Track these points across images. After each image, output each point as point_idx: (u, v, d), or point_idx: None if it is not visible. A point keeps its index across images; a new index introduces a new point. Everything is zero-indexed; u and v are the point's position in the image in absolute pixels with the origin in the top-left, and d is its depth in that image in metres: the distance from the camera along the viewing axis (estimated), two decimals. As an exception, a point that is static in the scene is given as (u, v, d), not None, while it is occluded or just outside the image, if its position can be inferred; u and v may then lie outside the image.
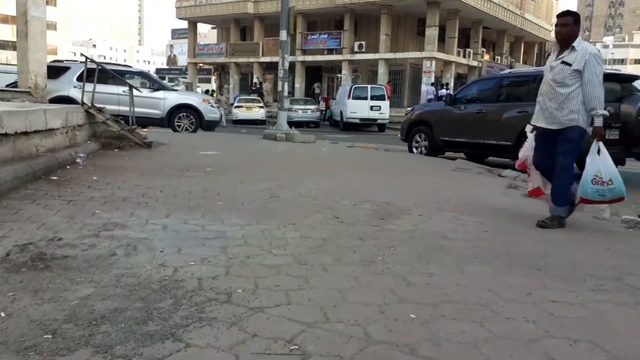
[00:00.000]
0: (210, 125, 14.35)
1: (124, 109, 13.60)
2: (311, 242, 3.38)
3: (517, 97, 9.65)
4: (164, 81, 14.97)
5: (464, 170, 7.88)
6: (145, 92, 13.67)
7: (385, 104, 22.91)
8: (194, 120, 13.91)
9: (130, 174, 5.83)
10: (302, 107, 25.83)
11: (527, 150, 4.71)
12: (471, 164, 8.91)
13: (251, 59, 37.10)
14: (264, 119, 27.89)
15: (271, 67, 38.73)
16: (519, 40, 41.50)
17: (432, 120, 10.62)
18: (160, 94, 13.68)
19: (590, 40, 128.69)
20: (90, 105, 8.62)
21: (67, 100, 12.77)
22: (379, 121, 23.11)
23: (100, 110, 8.98)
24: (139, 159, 7.28)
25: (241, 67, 39.64)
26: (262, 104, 28.43)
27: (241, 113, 27.22)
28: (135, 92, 13.74)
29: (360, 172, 6.97)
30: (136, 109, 13.70)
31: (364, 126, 23.99)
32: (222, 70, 43.67)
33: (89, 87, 13.37)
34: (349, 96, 22.65)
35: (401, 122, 12.50)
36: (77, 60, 14.31)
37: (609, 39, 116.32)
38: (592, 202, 4.26)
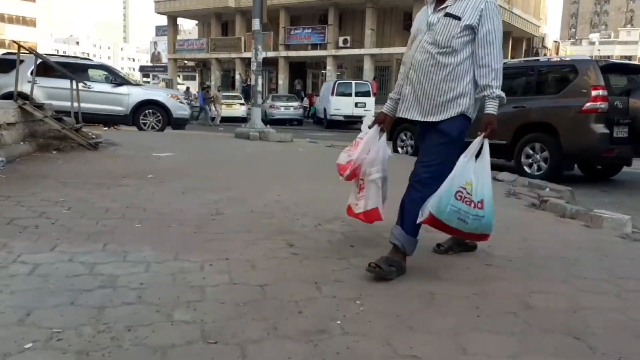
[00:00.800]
0: (180, 123, 13.21)
1: (85, 105, 12.47)
2: (242, 293, 2.31)
3: (512, 91, 8.65)
4: (129, 76, 13.72)
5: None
6: (107, 88, 12.52)
7: (370, 101, 21.88)
8: (161, 117, 12.77)
9: (48, 183, 4.71)
10: (284, 103, 24.75)
11: (360, 152, 3.12)
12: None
13: (233, 55, 35.89)
14: (245, 116, 26.75)
15: (254, 63, 37.65)
16: (507, 36, 40.61)
17: (419, 116, 9.58)
18: (123, 89, 12.52)
19: (576, 37, 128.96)
20: (25, 101, 7.45)
21: (23, 96, 11.57)
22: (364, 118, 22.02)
23: (39, 106, 7.81)
24: (74, 164, 6.15)
25: (223, 63, 38.42)
26: (242, 101, 27.28)
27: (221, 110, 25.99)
28: (96, 87, 12.63)
29: (336, 178, 5.92)
30: (97, 106, 12.58)
31: (349, 124, 22.95)
32: (203, 66, 42.40)
33: (44, 82, 12.26)
34: (332, 92, 21.59)
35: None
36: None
37: (594, 36, 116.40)
38: (442, 228, 2.68)
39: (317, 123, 25.46)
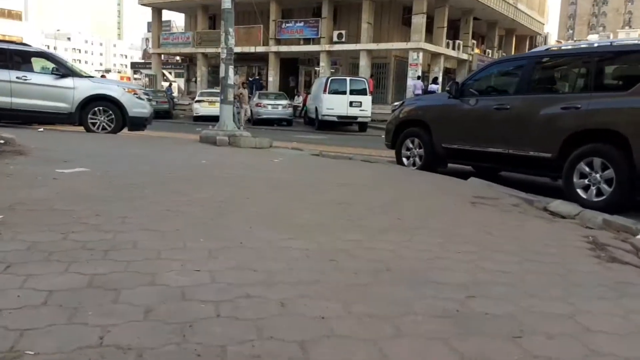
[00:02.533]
0: (137, 123, 10.98)
1: (19, 101, 10.25)
2: None
3: (559, 86, 6.56)
4: (75, 66, 11.49)
5: (489, 202, 4.70)
6: (48, 80, 10.31)
7: (367, 100, 19.73)
8: (114, 116, 10.56)
9: None
10: (272, 102, 22.57)
11: None
12: (495, 187, 5.73)
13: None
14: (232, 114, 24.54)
15: (243, 59, 35.39)
16: (510, 34, 38.63)
17: (431, 119, 7.44)
18: (67, 81, 10.31)
19: (575, 39, 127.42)
20: None
21: None
22: (359, 119, 19.92)
23: None
24: None
25: (210, 58, 36.12)
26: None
27: (202, 108, 23.85)
28: (34, 79, 10.40)
29: (312, 211, 3.79)
30: (35, 102, 10.32)
31: (342, 125, 20.83)
32: (190, 62, 40.12)
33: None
34: (325, 90, 19.42)
35: (386, 122, 9.30)
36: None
37: (593, 37, 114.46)
38: None
39: (308, 124, 23.31)
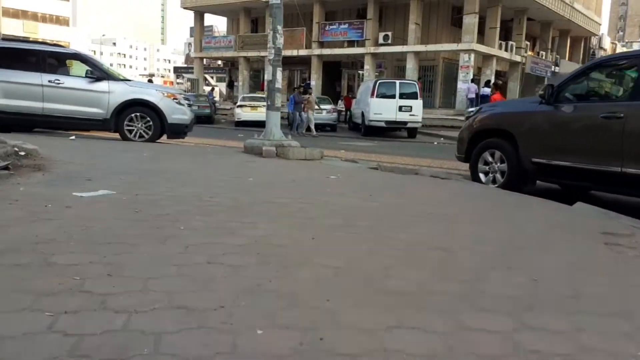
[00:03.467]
0: (176, 131, 10.17)
1: (50, 106, 9.55)
2: None
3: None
4: (112, 69, 10.76)
5: (626, 242, 3.52)
6: (81, 83, 9.59)
7: (417, 104, 18.53)
8: (151, 123, 9.76)
9: None
10: (316, 106, 21.56)
11: None
12: (623, 218, 4.52)
13: (263, 53, 32.85)
14: (272, 120, 23.75)
15: (286, 63, 34.50)
16: (565, 35, 36.63)
17: (517, 129, 6.26)
18: (102, 85, 9.58)
19: (626, 41, 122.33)
20: None
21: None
22: (409, 125, 18.73)
23: None
24: None
25: (252, 62, 35.55)
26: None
27: (244, 113, 23.13)
28: (67, 82, 9.66)
29: (404, 265, 2.74)
30: (67, 107, 9.59)
31: (390, 130, 19.69)
32: (231, 65, 39.67)
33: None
34: (372, 94, 18.31)
35: (460, 130, 8.12)
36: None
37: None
38: None
39: (353, 129, 22.24)
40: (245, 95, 26.16)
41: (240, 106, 23.57)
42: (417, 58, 27.36)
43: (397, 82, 19.00)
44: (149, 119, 9.72)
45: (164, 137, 10.27)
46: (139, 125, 9.72)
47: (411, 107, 18.33)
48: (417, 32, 27.16)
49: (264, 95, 26.86)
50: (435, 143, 17.23)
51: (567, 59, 36.72)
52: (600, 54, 49.73)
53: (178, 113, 10.00)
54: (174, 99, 10.05)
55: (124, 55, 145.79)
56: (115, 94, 9.58)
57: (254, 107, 23.42)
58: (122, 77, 10.24)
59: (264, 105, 24.11)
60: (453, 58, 29.74)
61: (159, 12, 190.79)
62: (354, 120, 22.22)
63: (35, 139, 7.66)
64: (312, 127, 19.45)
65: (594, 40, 44.25)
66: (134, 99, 9.68)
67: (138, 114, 9.69)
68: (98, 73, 9.62)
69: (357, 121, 21.05)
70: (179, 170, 5.97)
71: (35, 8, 72.57)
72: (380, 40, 28.13)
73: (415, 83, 19.28)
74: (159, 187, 4.66)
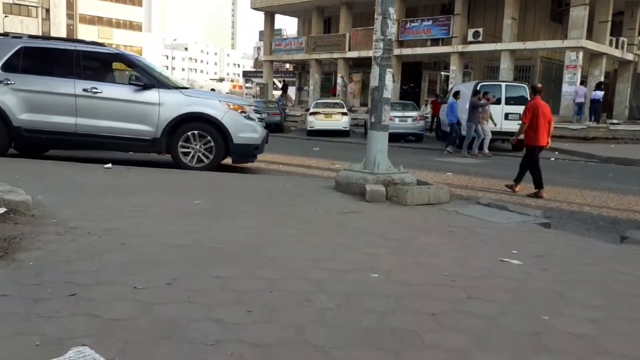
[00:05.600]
0: (244, 153, 7.87)
1: (87, 122, 7.48)
2: None
3: None
4: (164, 73, 8.58)
5: None
6: (124, 93, 7.47)
7: (527, 111, 15.44)
8: (213, 144, 7.53)
9: None
10: (400, 113, 18.90)
11: None
12: None
13: (335, 55, 30.59)
14: (348, 128, 21.31)
15: (359, 65, 32.13)
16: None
17: None
18: (151, 95, 7.44)
19: None
20: None
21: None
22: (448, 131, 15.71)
23: None
24: None
25: (324, 64, 33.29)
26: (345, 110, 21.81)
27: (317, 121, 20.78)
28: (106, 91, 7.56)
29: None
30: (106, 124, 7.46)
31: (494, 142, 16.69)
32: (302, 69, 37.60)
33: (23, 81, 7.37)
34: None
35: None
36: (7, 35, 8.32)
37: None
38: None
39: (441, 139, 19.37)
40: (318, 101, 23.79)
41: (313, 113, 21.25)
42: (513, 57, 24.05)
43: (503, 84, 15.96)
44: (209, 138, 7.47)
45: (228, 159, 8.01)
46: (197, 147, 7.49)
47: (519, 114, 15.26)
48: (514, 27, 23.85)
49: (338, 101, 24.51)
50: (552, 159, 14.14)
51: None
52: None
53: (247, 130, 7.69)
54: (241, 112, 7.74)
55: (195, 60, 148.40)
56: (167, 106, 7.40)
57: (328, 115, 21.06)
58: (176, 84, 8.05)
59: (338, 113, 22.01)
60: (553, 57, 26.21)
61: (229, 17, 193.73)
62: (443, 129, 19.34)
63: (53, 168, 5.55)
64: (486, 146, 14.94)
65: None
66: (191, 112, 7.46)
67: (196, 132, 7.46)
68: (146, 79, 7.46)
69: (447, 129, 18.15)
70: (243, 243, 3.56)
71: (110, 14, 74.25)
72: (470, 38, 25.02)
73: (525, 86, 16.16)
74: (201, 310, 2.23)
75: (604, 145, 18.03)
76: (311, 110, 21.79)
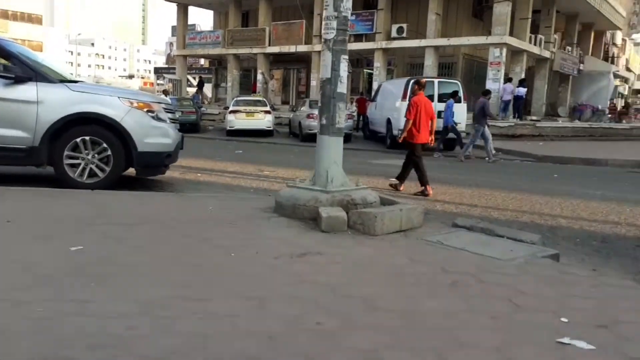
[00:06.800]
0: (152, 163, 6.22)
1: None
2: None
3: None
4: (47, 62, 6.70)
5: None
6: (-12, 86, 5.59)
7: (461, 108, 14.76)
8: (110, 152, 5.85)
9: None
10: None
11: None
12: None
13: (255, 50, 28.91)
14: (271, 128, 19.84)
15: (281, 61, 30.70)
16: (588, 29, 33.15)
17: None
18: (26, 90, 5.65)
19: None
20: None
21: None
22: (450, 135, 14.92)
23: None
24: None
25: (242, 60, 31.52)
26: (268, 108, 20.34)
27: (238, 120, 19.18)
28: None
29: None
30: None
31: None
32: (218, 64, 35.59)
33: None
34: (404, 95, 14.46)
35: None
36: None
37: (637, 36, 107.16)
38: None
39: (371, 139, 18.39)
40: (238, 98, 22.04)
41: (233, 112, 19.55)
42: (437, 54, 23.57)
43: (436, 81, 15.12)
44: (105, 145, 5.77)
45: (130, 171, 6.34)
46: (89, 157, 5.77)
47: (453, 113, 14.53)
48: (438, 23, 23.36)
49: (260, 99, 22.92)
50: (487, 159, 13.46)
51: (590, 53, 33.30)
52: (614, 50, 46.64)
53: (155, 135, 6.06)
54: (148, 111, 6.09)
55: (102, 56, 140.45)
56: (49, 104, 5.62)
57: (249, 113, 19.48)
58: (62, 77, 6.26)
59: (261, 111, 20.39)
60: (474, 54, 26.09)
61: (139, 12, 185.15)
62: (373, 129, 18.37)
63: None
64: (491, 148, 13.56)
65: (608, 36, 40.98)
66: (81, 112, 5.72)
67: (87, 137, 5.73)
68: (19, 69, 5.63)
69: (379, 130, 17.20)
70: (143, 346, 2.04)
71: (5, 5, 67.84)
72: (394, 34, 24.29)
73: (458, 82, 15.44)
74: None
75: (532, 142, 17.79)
76: (231, 108, 20.10)
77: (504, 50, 21.67)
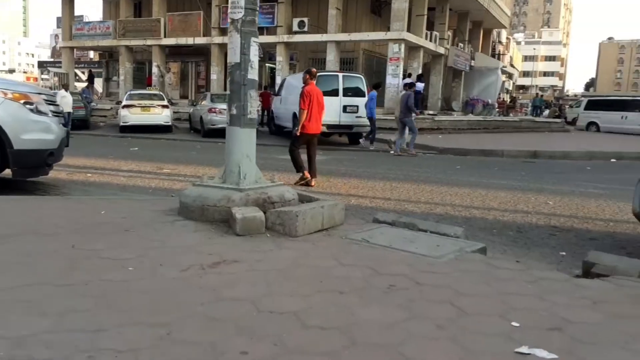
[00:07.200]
0: (32, 163, 5.41)
1: None
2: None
3: None
4: None
5: None
6: None
7: (364, 103, 14.76)
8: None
9: None
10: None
11: None
12: None
13: (149, 42, 27.40)
14: (170, 123, 18.81)
15: (177, 53, 29.38)
16: (478, 26, 34.94)
17: None
18: None
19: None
20: None
21: None
22: (355, 129, 14.89)
23: None
24: None
25: (136, 52, 29.81)
26: (165, 102, 19.28)
27: (133, 115, 18.01)
28: None
29: None
30: None
31: (326, 135, 15.76)
32: (109, 57, 33.44)
33: None
34: (309, 90, 14.15)
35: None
36: None
37: (519, 36, 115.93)
38: None
39: (277, 134, 18.00)
40: (132, 92, 20.67)
41: (127, 106, 18.29)
42: (338, 49, 23.62)
43: (340, 75, 14.96)
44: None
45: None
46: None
47: (357, 106, 14.49)
48: (338, 18, 23.40)
49: (157, 92, 21.71)
50: (392, 152, 13.58)
51: (480, 50, 35.12)
52: (500, 48, 49.72)
53: (34, 130, 5.26)
54: (25, 102, 5.27)
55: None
56: None
57: (145, 108, 18.35)
58: None
59: (158, 105, 19.26)
60: (373, 49, 26.51)
61: (19, 2, 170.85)
62: (278, 123, 17.97)
63: None
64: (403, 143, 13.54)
65: (494, 34, 43.59)
66: None
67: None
68: None
69: (284, 124, 16.84)
70: None
71: None
72: (295, 28, 24.02)
73: (362, 77, 15.41)
74: None
75: (432, 136, 18.28)
76: (124, 102, 18.78)
77: (402, 46, 22.12)
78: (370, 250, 3.46)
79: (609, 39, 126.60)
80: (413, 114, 13.47)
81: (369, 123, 14.93)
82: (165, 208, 4.37)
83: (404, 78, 22.01)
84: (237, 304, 2.37)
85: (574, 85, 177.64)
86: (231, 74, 4.06)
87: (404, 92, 13.83)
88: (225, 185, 4.04)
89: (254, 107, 4.12)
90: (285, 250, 3.31)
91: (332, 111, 14.23)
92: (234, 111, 4.05)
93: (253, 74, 4.06)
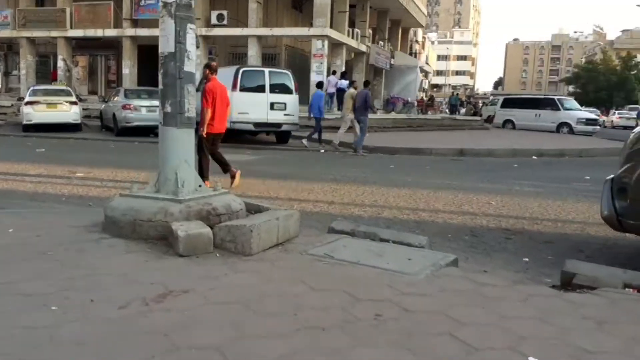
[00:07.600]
0: None
1: None
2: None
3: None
4: None
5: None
6: None
7: (292, 100, 14.32)
8: None
9: None
10: (148, 102, 16.08)
11: None
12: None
13: (54, 33, 25.39)
14: (79, 121, 17.42)
15: (85, 46, 27.45)
16: (397, 25, 35.48)
17: None
18: None
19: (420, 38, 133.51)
20: None
21: None
22: (284, 127, 14.40)
23: None
24: None
25: (39, 44, 27.57)
26: (73, 98, 17.82)
27: (38, 113, 16.53)
28: None
29: None
30: None
31: (253, 134, 15.21)
32: (8, 49, 30.70)
33: None
34: (234, 86, 13.52)
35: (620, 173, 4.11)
36: None
37: (433, 35, 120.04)
38: None
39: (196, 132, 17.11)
40: (36, 87, 18.93)
41: (31, 103, 16.70)
42: (260, 44, 22.97)
43: (267, 70, 14.39)
44: None
45: None
46: None
47: (285, 104, 14.01)
48: (259, 12, 22.76)
49: (64, 88, 20.06)
50: (323, 151, 13.26)
51: (399, 49, 35.69)
52: (416, 47, 50.97)
53: None
54: None
55: None
56: None
57: (51, 105, 16.86)
58: None
59: (65, 102, 17.74)
60: (296, 46, 26.13)
61: None
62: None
63: None
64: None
65: (411, 33, 44.61)
66: None
67: None
68: None
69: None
70: None
71: None
72: (214, 21, 23.09)
73: (289, 73, 14.91)
74: None
75: (359, 134, 18.14)
76: (27, 99, 17.14)
77: (326, 43, 21.88)
78: (339, 268, 3.02)
79: (515, 40, 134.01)
80: (367, 114, 13.19)
81: (297, 121, 14.50)
82: (87, 222, 3.70)
83: (328, 75, 21.83)
84: (202, 356, 1.84)
85: (484, 84, 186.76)
86: (164, 65, 3.47)
87: (352, 90, 13.55)
88: (160, 195, 3.43)
89: (192, 104, 3.55)
90: (241, 274, 2.78)
91: (258, 109, 13.72)
92: (169, 109, 3.46)
93: (190, 66, 3.50)
